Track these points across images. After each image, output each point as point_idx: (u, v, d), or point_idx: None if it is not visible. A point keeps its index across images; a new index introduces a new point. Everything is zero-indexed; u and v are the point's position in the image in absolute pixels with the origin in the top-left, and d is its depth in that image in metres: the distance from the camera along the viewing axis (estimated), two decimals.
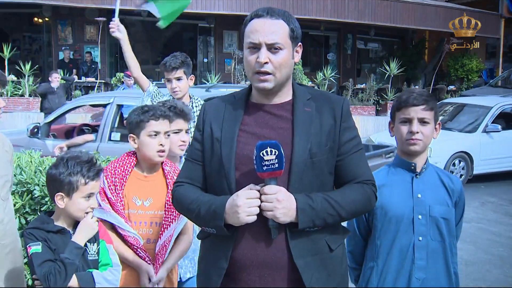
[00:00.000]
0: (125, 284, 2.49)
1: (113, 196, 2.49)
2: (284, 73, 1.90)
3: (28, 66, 12.80)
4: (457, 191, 2.34)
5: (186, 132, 2.87)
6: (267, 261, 1.83)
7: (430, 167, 2.36)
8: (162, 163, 2.62)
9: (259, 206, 1.78)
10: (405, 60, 17.84)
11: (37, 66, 13.50)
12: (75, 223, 2.26)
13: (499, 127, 9.51)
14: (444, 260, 2.28)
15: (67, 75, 13.44)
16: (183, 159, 2.72)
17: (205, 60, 17.68)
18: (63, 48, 15.00)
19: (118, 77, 13.90)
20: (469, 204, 7.36)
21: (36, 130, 6.54)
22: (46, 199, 3.04)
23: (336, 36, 19.51)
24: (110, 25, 4.07)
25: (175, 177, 2.13)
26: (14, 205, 2.97)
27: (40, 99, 12.22)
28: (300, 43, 1.97)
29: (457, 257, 2.37)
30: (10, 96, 12.62)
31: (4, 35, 16.23)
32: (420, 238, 2.25)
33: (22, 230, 2.25)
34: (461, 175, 9.03)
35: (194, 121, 3.16)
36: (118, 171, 2.53)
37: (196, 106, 3.84)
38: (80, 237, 2.21)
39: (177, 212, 2.46)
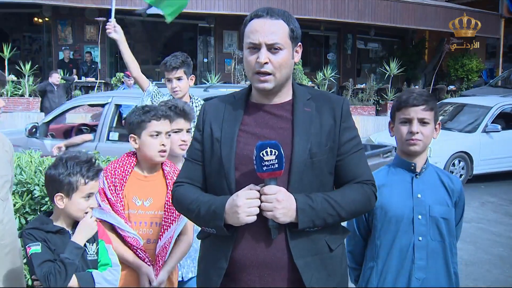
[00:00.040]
0: (125, 285, 2.49)
1: (113, 197, 2.48)
2: (284, 73, 1.90)
3: (28, 66, 12.81)
4: (457, 191, 2.34)
5: (188, 131, 2.87)
6: (267, 261, 1.83)
7: (430, 167, 2.36)
8: (162, 163, 2.63)
9: (259, 207, 1.78)
10: (405, 60, 17.84)
11: (37, 66, 13.50)
12: (74, 223, 2.26)
13: (499, 127, 9.50)
14: (444, 260, 2.28)
15: (67, 75, 13.44)
16: None
17: (205, 60, 17.68)
18: (63, 48, 15.00)
19: (118, 77, 13.91)
20: (469, 204, 7.36)
21: (34, 130, 6.54)
22: (46, 199, 3.04)
23: (336, 36, 19.51)
24: (106, 26, 4.07)
25: (175, 177, 2.13)
26: (14, 205, 2.97)
27: (40, 99, 12.23)
28: (300, 43, 1.97)
29: (457, 257, 2.37)
30: (10, 96, 12.63)
31: (4, 35, 16.23)
32: (420, 238, 2.25)
33: (22, 230, 2.25)
34: (460, 175, 9.03)
35: (195, 121, 3.16)
36: (118, 172, 2.53)
37: (196, 106, 3.83)
38: (79, 237, 2.21)
39: (177, 213, 2.46)
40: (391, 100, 15.16)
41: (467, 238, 6.03)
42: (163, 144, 2.57)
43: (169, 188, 2.54)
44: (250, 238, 1.84)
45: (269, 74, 1.87)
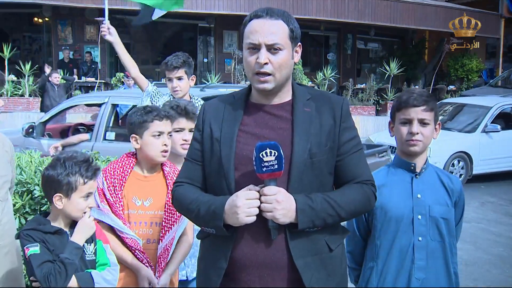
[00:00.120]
0: (124, 285, 2.49)
1: (112, 197, 2.48)
2: (284, 74, 1.90)
3: (28, 66, 12.81)
4: (457, 191, 2.34)
5: (190, 131, 2.86)
6: (266, 262, 1.83)
7: (429, 167, 2.36)
8: (162, 163, 2.63)
9: (259, 207, 1.78)
10: (405, 60, 17.84)
11: (37, 66, 13.50)
12: (72, 224, 2.26)
13: (499, 127, 9.50)
14: (444, 260, 2.28)
15: (67, 75, 13.44)
16: None
17: (205, 60, 17.68)
18: (63, 48, 15.01)
19: (118, 77, 13.91)
20: (469, 204, 7.37)
21: (31, 129, 6.55)
22: (46, 199, 3.04)
23: (336, 36, 19.51)
24: (101, 29, 4.06)
25: (175, 178, 2.14)
26: (14, 205, 2.97)
27: (40, 99, 12.22)
28: (299, 43, 1.97)
29: (457, 257, 2.37)
30: (10, 96, 12.64)
31: (4, 35, 16.23)
32: (420, 238, 2.25)
33: (19, 231, 2.24)
34: (460, 175, 9.03)
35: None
36: (117, 172, 2.53)
37: (196, 106, 3.83)
38: (78, 236, 2.20)
39: (178, 214, 2.46)
40: (391, 100, 15.16)
41: (467, 238, 6.03)
42: (165, 144, 2.57)
43: (169, 188, 2.53)
44: (250, 238, 1.84)
45: (269, 74, 1.87)
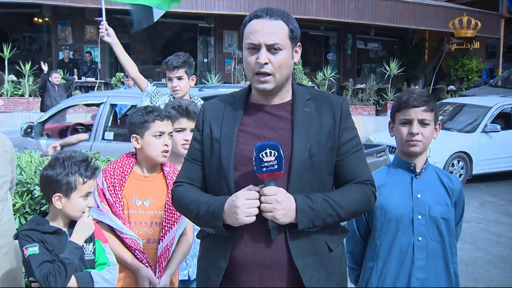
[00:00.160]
0: (124, 286, 2.49)
1: (112, 197, 2.48)
2: (284, 74, 1.90)
3: (28, 66, 12.81)
4: (457, 191, 2.34)
5: (191, 131, 2.86)
6: (266, 262, 1.83)
7: (429, 167, 2.36)
8: (162, 163, 2.63)
9: (259, 207, 1.78)
10: (405, 60, 17.84)
11: (37, 66, 13.47)
12: (71, 223, 2.26)
13: (498, 127, 9.50)
14: (444, 260, 2.28)
15: (67, 75, 13.44)
16: None
17: (205, 60, 17.68)
18: (63, 48, 15.01)
19: (118, 77, 13.91)
20: (469, 204, 7.37)
21: (29, 129, 6.55)
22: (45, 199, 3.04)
23: (336, 36, 19.51)
24: (99, 30, 4.06)
25: (175, 178, 2.14)
26: (14, 205, 2.98)
27: (40, 99, 12.22)
28: (299, 43, 1.97)
29: (457, 257, 2.37)
30: (10, 96, 12.63)
31: (4, 35, 16.22)
32: (420, 238, 2.25)
33: (17, 231, 2.24)
34: (460, 175, 9.03)
35: None
36: (117, 172, 2.53)
37: (198, 106, 3.84)
38: (78, 236, 2.20)
39: (178, 214, 2.46)
40: (391, 100, 15.16)
41: (467, 238, 6.03)
42: (166, 145, 2.58)
43: (169, 188, 2.54)
44: (250, 238, 1.84)
45: (269, 74, 1.87)
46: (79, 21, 15.21)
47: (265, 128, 1.92)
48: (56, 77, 11.28)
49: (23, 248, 2.12)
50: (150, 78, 4.59)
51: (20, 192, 3.11)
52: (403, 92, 2.44)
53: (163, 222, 2.52)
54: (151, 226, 2.53)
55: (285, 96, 1.97)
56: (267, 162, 1.75)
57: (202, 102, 3.86)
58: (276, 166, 1.75)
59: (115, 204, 2.48)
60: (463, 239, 4.88)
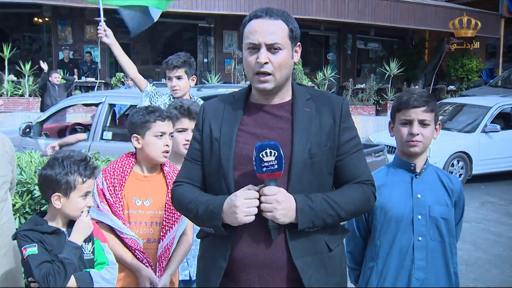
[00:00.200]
0: (124, 286, 2.48)
1: (111, 197, 2.48)
2: (284, 73, 1.90)
3: (28, 66, 12.81)
4: (457, 191, 2.34)
5: (192, 131, 2.86)
6: (266, 261, 1.83)
7: (429, 168, 2.36)
8: (161, 164, 2.63)
9: (258, 207, 1.78)
10: (405, 60, 17.84)
11: (37, 66, 13.47)
12: (69, 223, 2.25)
13: (498, 127, 9.50)
14: (444, 260, 2.28)
15: (67, 75, 13.44)
16: None
17: (205, 60, 17.68)
18: (63, 48, 15.01)
19: (118, 77, 13.90)
20: (469, 204, 7.37)
21: (28, 129, 6.55)
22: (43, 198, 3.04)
23: (336, 36, 19.51)
24: (98, 31, 4.06)
25: (175, 177, 2.14)
26: (14, 205, 2.97)
27: (40, 99, 12.21)
28: (299, 43, 1.97)
29: (457, 257, 2.37)
30: (10, 96, 12.63)
31: (4, 35, 16.22)
32: (420, 238, 2.25)
33: (16, 232, 2.24)
34: (460, 175, 9.03)
35: None
36: (117, 172, 2.53)
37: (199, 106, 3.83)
38: (77, 236, 2.20)
39: (178, 213, 2.46)
40: (391, 100, 15.16)
41: (467, 238, 6.03)
42: (167, 145, 2.58)
43: (169, 188, 2.54)
44: (250, 238, 1.84)
45: (269, 74, 1.87)
46: (79, 21, 15.20)
47: (265, 128, 1.92)
48: (56, 77, 11.28)
49: (22, 248, 2.11)
50: (150, 78, 4.59)
51: (20, 192, 3.11)
52: (403, 92, 2.44)
53: (163, 222, 2.52)
54: (151, 226, 2.53)
55: (285, 96, 1.97)
56: (267, 162, 1.75)
57: (202, 102, 3.86)
58: (276, 166, 1.75)
59: (115, 204, 2.48)
60: (463, 239, 4.88)
